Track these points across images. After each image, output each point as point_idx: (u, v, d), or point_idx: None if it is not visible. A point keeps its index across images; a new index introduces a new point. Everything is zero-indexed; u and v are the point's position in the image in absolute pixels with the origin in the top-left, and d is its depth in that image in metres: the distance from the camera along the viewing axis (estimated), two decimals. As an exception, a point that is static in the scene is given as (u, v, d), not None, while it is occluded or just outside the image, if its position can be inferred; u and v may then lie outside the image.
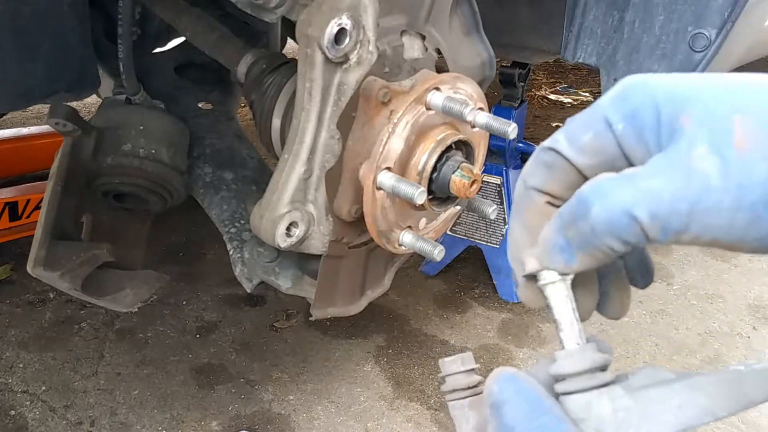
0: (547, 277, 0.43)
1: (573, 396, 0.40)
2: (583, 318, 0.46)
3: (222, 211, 1.45)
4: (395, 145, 1.06)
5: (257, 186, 1.50)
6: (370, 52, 1.03)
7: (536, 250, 0.43)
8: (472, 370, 0.53)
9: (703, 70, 1.49)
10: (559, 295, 0.43)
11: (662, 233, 0.36)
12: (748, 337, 2.30)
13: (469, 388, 0.52)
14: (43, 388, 2.01)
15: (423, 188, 1.04)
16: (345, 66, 1.02)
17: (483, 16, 1.34)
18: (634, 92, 0.39)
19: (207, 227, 1.65)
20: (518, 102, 2.40)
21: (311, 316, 1.28)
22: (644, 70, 1.55)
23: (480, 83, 1.36)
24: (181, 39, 1.63)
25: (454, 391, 0.52)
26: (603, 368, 0.41)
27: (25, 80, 1.08)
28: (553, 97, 4.55)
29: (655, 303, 2.43)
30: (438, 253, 1.12)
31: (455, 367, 0.53)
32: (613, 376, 0.41)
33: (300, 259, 1.31)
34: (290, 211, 1.07)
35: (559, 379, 0.41)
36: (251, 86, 1.28)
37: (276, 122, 1.21)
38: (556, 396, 0.41)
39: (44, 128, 2.73)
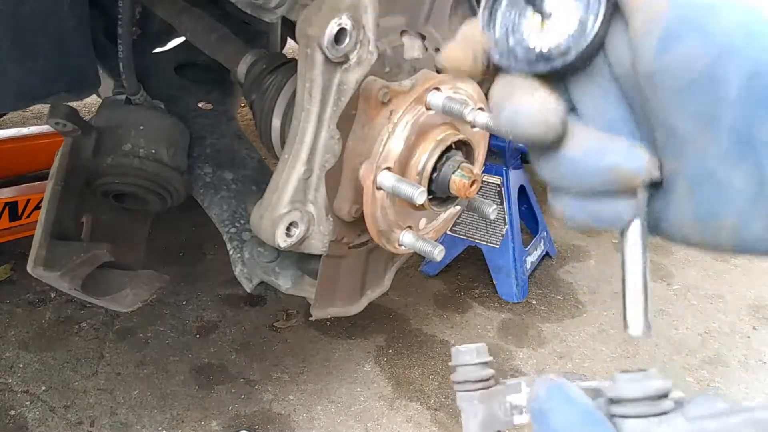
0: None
1: (630, 420, 0.39)
2: None
3: (222, 211, 1.45)
4: (395, 145, 1.06)
5: (257, 186, 1.50)
6: (370, 52, 1.03)
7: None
8: (486, 363, 0.51)
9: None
10: (635, 243, 0.39)
11: None
12: (748, 337, 2.30)
13: (481, 381, 0.50)
14: (43, 388, 2.01)
15: (423, 188, 1.04)
16: (345, 66, 1.02)
17: (483, 16, 1.34)
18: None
19: (207, 227, 1.65)
20: (518, 102, 2.39)
21: (311, 316, 1.28)
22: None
23: (480, 83, 1.36)
24: (181, 39, 1.63)
25: (465, 382, 0.50)
26: (664, 395, 0.39)
27: (25, 80, 1.08)
28: (553, 97, 4.55)
29: (655, 303, 2.43)
30: (438, 253, 1.12)
31: (469, 358, 0.51)
32: (673, 404, 0.40)
33: (300, 259, 1.31)
34: (290, 211, 1.07)
35: (616, 401, 0.40)
36: (251, 86, 1.28)
37: (276, 122, 1.21)
38: (607, 415, 0.40)
39: (44, 128, 2.73)
